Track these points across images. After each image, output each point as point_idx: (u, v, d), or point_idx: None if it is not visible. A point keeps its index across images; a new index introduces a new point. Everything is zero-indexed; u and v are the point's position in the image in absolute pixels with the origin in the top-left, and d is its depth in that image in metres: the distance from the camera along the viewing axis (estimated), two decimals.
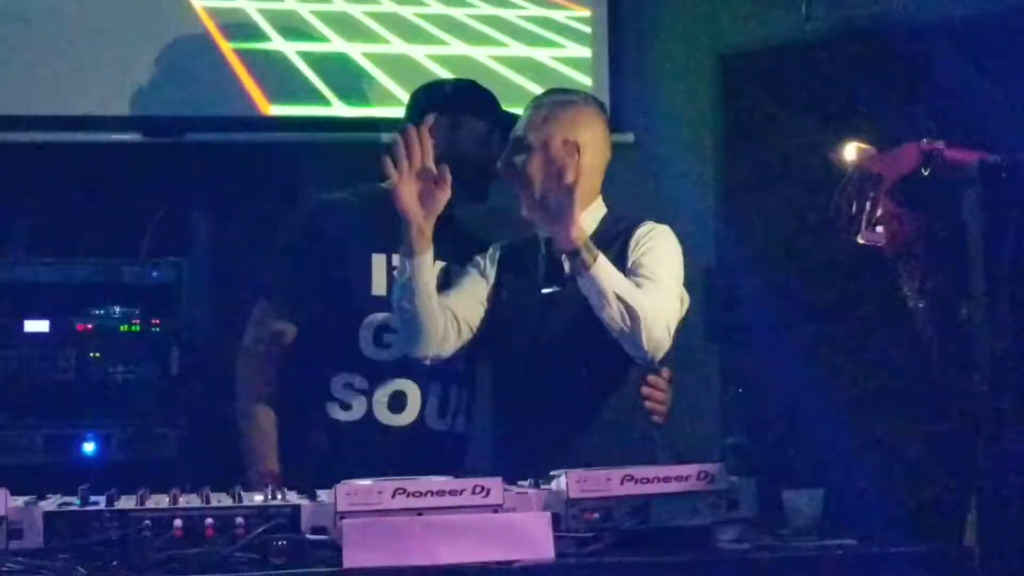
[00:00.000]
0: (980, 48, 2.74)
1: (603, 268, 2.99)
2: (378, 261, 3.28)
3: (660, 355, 3.07)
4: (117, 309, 3.88)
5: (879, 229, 2.69)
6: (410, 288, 3.04)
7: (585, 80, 4.33)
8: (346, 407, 3.27)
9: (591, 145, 3.21)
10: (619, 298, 2.97)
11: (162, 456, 3.71)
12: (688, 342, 3.44)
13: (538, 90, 3.50)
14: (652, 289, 3.06)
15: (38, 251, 4.04)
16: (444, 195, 3.01)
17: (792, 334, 3.24)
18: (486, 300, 3.23)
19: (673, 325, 3.08)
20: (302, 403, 3.29)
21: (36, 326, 3.86)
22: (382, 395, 3.26)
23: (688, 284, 3.16)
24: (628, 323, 2.98)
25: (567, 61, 4.40)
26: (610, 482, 2.44)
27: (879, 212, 2.67)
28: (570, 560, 2.32)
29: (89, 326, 3.89)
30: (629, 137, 4.26)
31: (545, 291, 3.21)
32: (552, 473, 2.53)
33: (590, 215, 3.24)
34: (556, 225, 2.98)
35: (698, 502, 2.46)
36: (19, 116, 4.12)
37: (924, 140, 2.65)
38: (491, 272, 3.26)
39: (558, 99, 3.28)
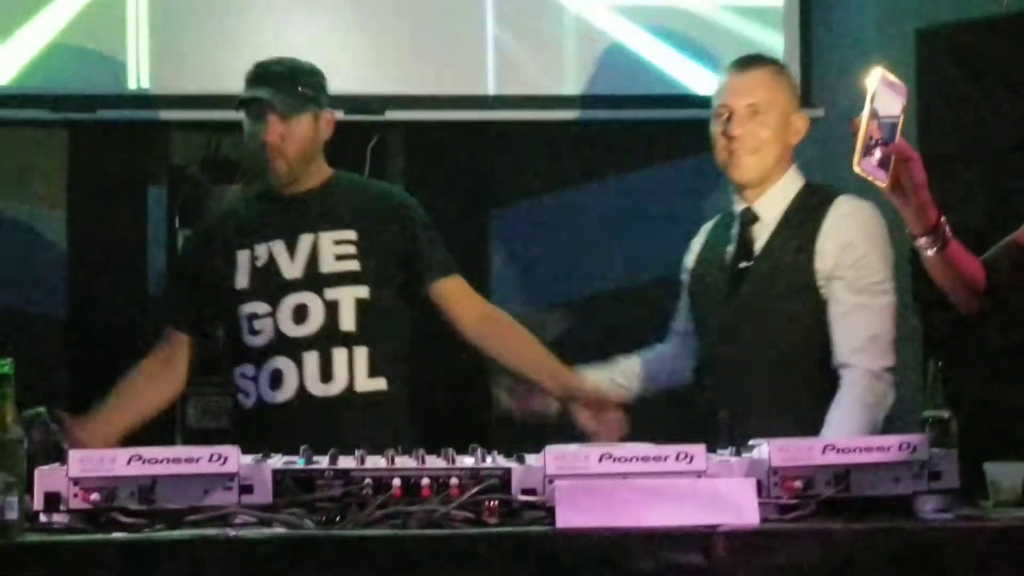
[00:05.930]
0: None
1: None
2: (242, 257, 3.44)
3: None
4: None
5: None
6: None
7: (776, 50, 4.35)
8: (246, 395, 3.42)
9: (782, 111, 3.29)
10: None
11: None
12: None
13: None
14: (868, 315, 3.19)
15: None
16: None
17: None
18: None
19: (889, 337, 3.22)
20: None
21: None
22: (264, 377, 3.38)
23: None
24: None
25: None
26: (811, 451, 2.47)
27: None
28: (774, 526, 2.36)
29: None
30: (820, 112, 4.27)
31: (742, 265, 3.28)
32: (751, 443, 2.57)
33: (786, 187, 3.29)
34: None
35: (899, 472, 2.48)
36: None
37: None
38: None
39: (752, 63, 3.37)
